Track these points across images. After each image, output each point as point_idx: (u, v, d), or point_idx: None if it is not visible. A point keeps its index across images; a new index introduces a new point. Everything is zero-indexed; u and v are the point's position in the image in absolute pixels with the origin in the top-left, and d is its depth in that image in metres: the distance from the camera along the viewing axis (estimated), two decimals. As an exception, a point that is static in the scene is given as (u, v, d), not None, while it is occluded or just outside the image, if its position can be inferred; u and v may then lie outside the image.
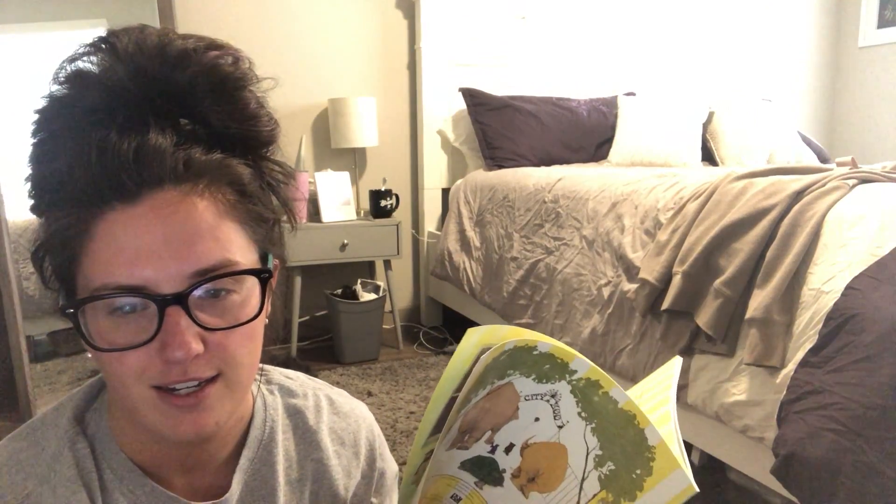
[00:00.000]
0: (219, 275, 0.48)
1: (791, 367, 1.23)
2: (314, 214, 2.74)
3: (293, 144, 2.88)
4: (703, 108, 3.16)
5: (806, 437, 1.13)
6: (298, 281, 2.65)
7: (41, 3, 2.53)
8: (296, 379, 0.67)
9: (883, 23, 3.70)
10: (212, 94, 0.49)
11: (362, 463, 0.67)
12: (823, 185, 1.39)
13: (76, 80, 0.48)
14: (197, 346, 0.47)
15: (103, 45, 0.48)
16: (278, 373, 0.67)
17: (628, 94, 3.30)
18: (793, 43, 3.85)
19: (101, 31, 0.49)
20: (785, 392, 1.21)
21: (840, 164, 1.69)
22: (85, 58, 0.48)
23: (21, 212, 2.44)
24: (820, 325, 1.19)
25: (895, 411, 1.03)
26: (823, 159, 3.32)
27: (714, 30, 3.59)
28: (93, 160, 0.45)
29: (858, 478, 1.04)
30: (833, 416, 1.09)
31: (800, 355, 1.21)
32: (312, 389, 0.67)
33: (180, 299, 0.46)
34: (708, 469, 1.75)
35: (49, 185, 0.48)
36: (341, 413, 0.67)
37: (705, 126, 3.17)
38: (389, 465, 0.71)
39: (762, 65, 3.76)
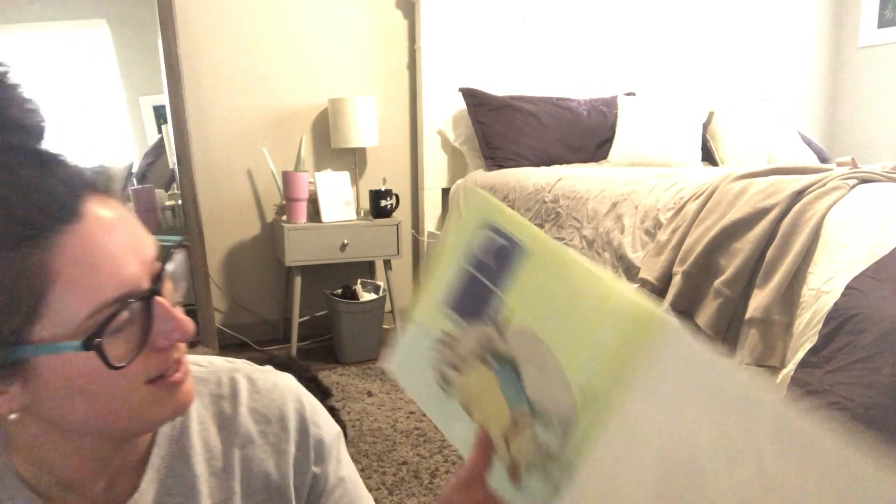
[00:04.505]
0: (175, 249, 0.53)
1: (791, 367, 1.23)
2: (314, 214, 2.74)
3: (293, 144, 2.88)
4: (703, 108, 3.15)
5: (806, 437, 1.12)
6: (298, 281, 2.65)
7: (41, 3, 2.52)
8: (208, 366, 0.66)
9: (883, 23, 3.70)
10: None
11: (294, 435, 0.65)
12: (823, 185, 1.39)
13: None
14: None
15: None
16: (190, 361, 0.65)
17: (628, 94, 3.30)
18: (793, 43, 3.85)
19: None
20: (785, 392, 1.21)
21: (840, 164, 1.69)
22: None
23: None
24: (820, 325, 1.19)
25: (895, 411, 1.03)
26: (823, 159, 3.32)
27: (714, 30, 3.59)
28: (29, 192, 0.44)
29: (858, 478, 1.04)
30: (833, 417, 1.09)
31: (800, 355, 1.21)
32: (228, 373, 0.65)
33: (157, 288, 0.50)
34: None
35: None
36: (262, 390, 0.65)
37: (705, 126, 3.17)
38: (326, 431, 0.69)
39: (762, 65, 3.76)
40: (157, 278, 0.50)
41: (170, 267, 0.53)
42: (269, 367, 0.69)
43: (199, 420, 0.62)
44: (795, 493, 0.44)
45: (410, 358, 0.59)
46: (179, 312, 0.51)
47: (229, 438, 0.63)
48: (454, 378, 0.56)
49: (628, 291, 0.47)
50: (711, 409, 0.45)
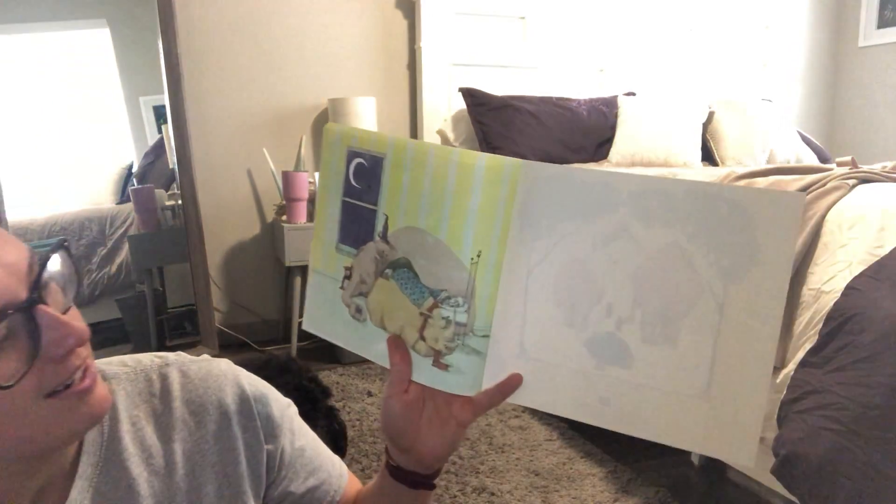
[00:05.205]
0: (54, 252, 0.48)
1: (791, 367, 1.23)
2: (314, 214, 2.73)
3: (293, 144, 2.88)
4: (703, 108, 3.15)
5: (806, 437, 1.13)
6: (298, 281, 2.65)
7: (41, 3, 2.53)
8: (135, 365, 0.63)
9: (883, 23, 3.70)
10: None
11: (237, 418, 0.63)
12: (823, 185, 1.39)
13: None
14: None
15: None
16: (115, 363, 0.63)
17: (628, 94, 3.30)
18: (793, 43, 3.85)
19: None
20: (785, 392, 1.21)
21: (840, 164, 1.69)
22: None
23: (21, 211, 2.44)
24: (820, 325, 1.19)
25: (895, 411, 1.03)
26: (823, 159, 3.32)
27: (714, 30, 3.59)
28: None
29: (858, 478, 1.04)
30: (833, 416, 1.09)
31: (800, 355, 1.21)
32: (157, 370, 0.63)
33: (37, 296, 0.47)
34: (708, 469, 1.75)
35: None
36: (196, 380, 0.63)
37: (705, 126, 3.17)
38: (274, 405, 0.66)
39: (762, 65, 3.76)
40: (36, 286, 0.46)
41: (52, 270, 0.49)
42: (204, 356, 0.66)
43: (131, 421, 0.59)
44: (674, 249, 0.48)
45: (322, 307, 0.61)
46: (74, 316, 0.47)
47: (167, 434, 0.60)
48: (363, 304, 0.59)
49: (479, 153, 0.51)
50: (580, 214, 0.50)
